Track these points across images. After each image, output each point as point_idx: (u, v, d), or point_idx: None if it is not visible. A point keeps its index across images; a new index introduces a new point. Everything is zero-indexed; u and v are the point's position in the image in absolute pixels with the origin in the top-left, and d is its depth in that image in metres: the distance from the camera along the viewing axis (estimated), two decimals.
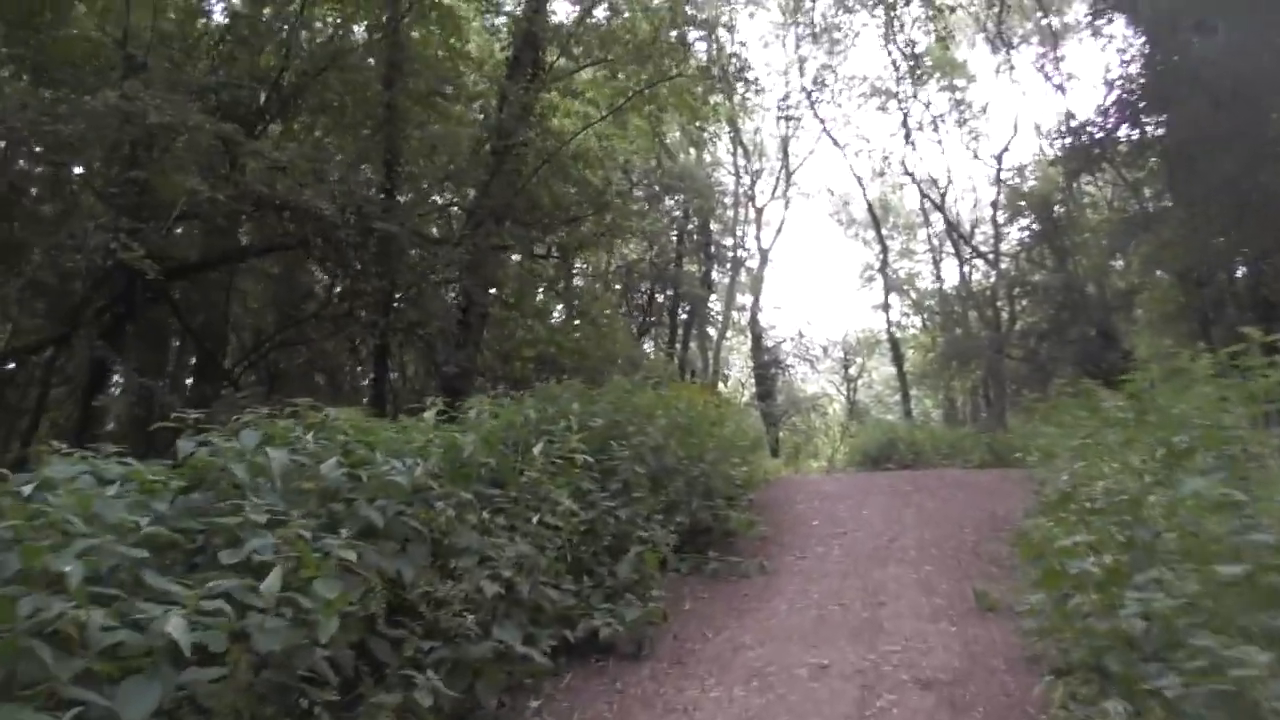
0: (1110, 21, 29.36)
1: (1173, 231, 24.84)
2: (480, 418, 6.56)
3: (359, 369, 16.07)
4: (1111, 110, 26.32)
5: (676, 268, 30.91)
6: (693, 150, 31.39)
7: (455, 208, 16.59)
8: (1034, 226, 31.87)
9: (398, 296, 13.29)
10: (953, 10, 30.13)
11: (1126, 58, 26.20)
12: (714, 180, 33.47)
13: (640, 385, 10.11)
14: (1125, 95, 25.83)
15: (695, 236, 32.95)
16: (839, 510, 11.73)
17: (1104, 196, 31.37)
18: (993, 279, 35.04)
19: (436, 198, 15.53)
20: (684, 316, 33.67)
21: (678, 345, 32.34)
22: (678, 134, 30.59)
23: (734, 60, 20.48)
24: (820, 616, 7.18)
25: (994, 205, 35.44)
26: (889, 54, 37.32)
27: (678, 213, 30.38)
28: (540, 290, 19.57)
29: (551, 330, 17.11)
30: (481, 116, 16.44)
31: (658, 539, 7.72)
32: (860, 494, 13.61)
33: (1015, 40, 37.32)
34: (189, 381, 15.95)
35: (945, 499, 12.55)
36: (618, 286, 31.07)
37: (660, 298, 31.64)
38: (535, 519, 5.92)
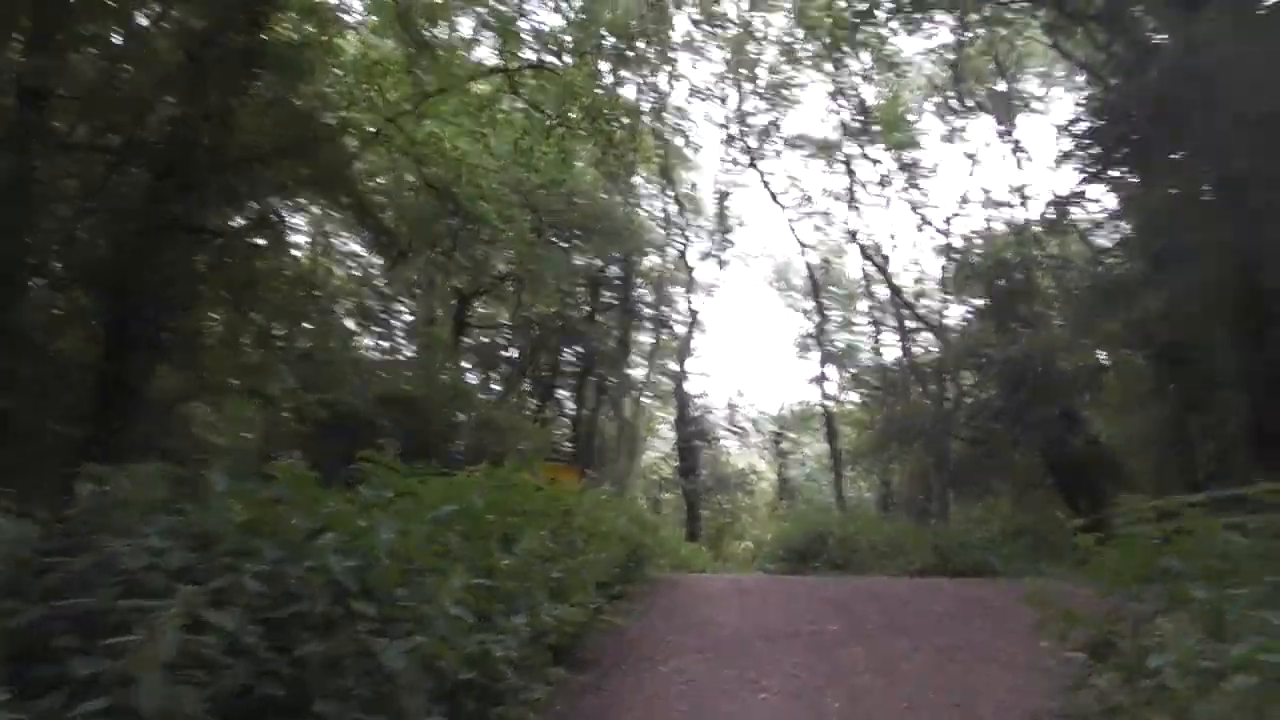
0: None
1: (1148, 303, 20.56)
2: None
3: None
4: (1081, 163, 22.38)
5: (588, 321, 26.17)
6: (606, 186, 26.81)
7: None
8: (985, 300, 27.76)
9: None
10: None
11: (1094, 105, 22.04)
12: (637, 225, 28.88)
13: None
14: (1094, 147, 21.85)
15: (615, 284, 28.28)
16: (714, 696, 6.75)
17: (1070, 262, 27.28)
18: (938, 351, 30.76)
19: None
20: (600, 380, 28.85)
21: (584, 410, 27.41)
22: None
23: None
24: None
25: (942, 270, 31.37)
26: (837, 111, 33.41)
27: (589, 258, 25.74)
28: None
29: (247, 369, 10.98)
30: None
31: None
32: (766, 639, 8.70)
33: (969, 105, 33.62)
34: None
35: (895, 663, 7.65)
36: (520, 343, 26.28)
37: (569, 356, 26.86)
38: None
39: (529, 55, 20.13)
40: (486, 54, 23.00)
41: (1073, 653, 5.11)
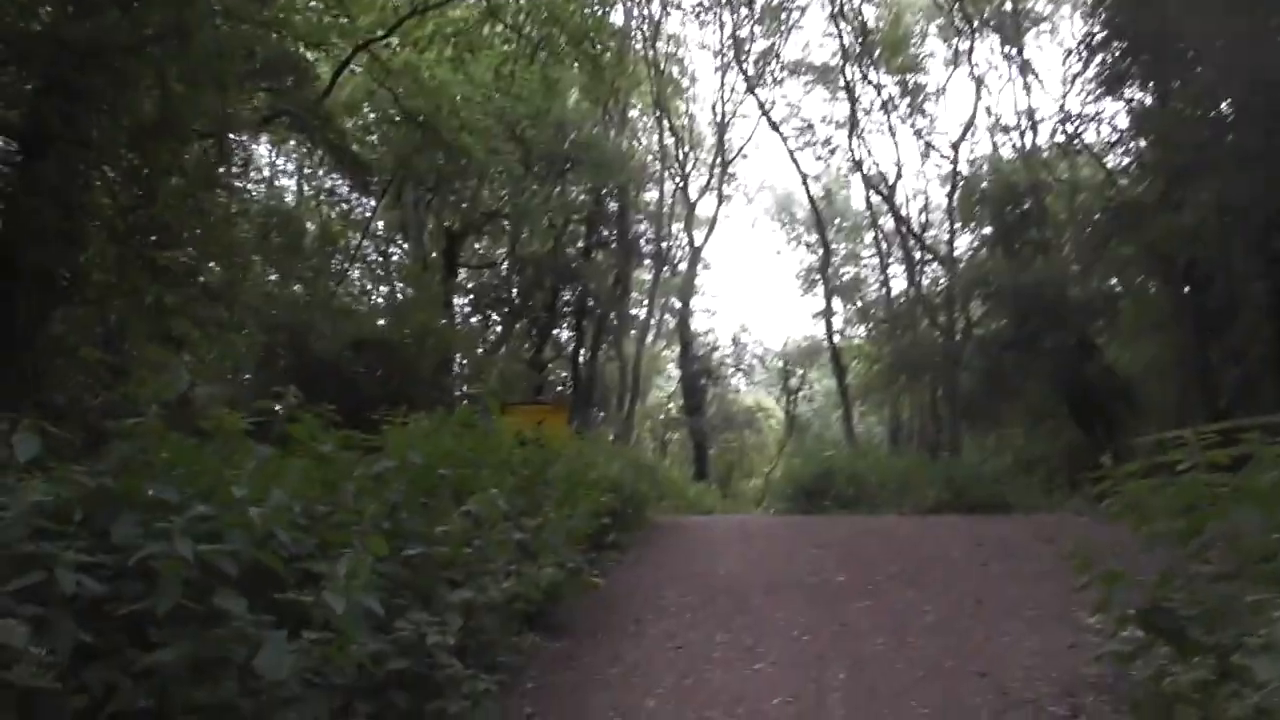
0: None
1: (1166, 225, 19.36)
2: None
3: None
4: (1094, 79, 21.09)
5: (584, 258, 25.09)
6: (596, 116, 25.37)
7: None
8: (993, 228, 26.52)
9: None
10: None
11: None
12: (631, 156, 27.58)
13: None
14: (1108, 59, 20.51)
15: (612, 220, 27.07)
16: (704, 666, 5.91)
17: (1081, 186, 26.03)
18: (946, 280, 29.64)
19: None
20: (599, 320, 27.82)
21: (584, 352, 26.47)
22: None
23: None
24: None
25: (949, 197, 30.12)
26: (838, 34, 31.81)
27: (580, 192, 24.55)
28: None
29: (156, 311, 9.11)
30: None
31: None
32: (767, 593, 7.90)
33: (974, 25, 31.93)
34: None
35: (908, 621, 6.81)
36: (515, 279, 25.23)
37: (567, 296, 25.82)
38: None
39: None
40: None
41: (1127, 630, 4.22)
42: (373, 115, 20.91)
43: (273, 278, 18.13)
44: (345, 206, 26.39)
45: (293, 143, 22.54)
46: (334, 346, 11.75)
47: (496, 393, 5.84)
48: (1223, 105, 18.31)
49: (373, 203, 24.47)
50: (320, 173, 26.35)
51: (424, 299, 17.44)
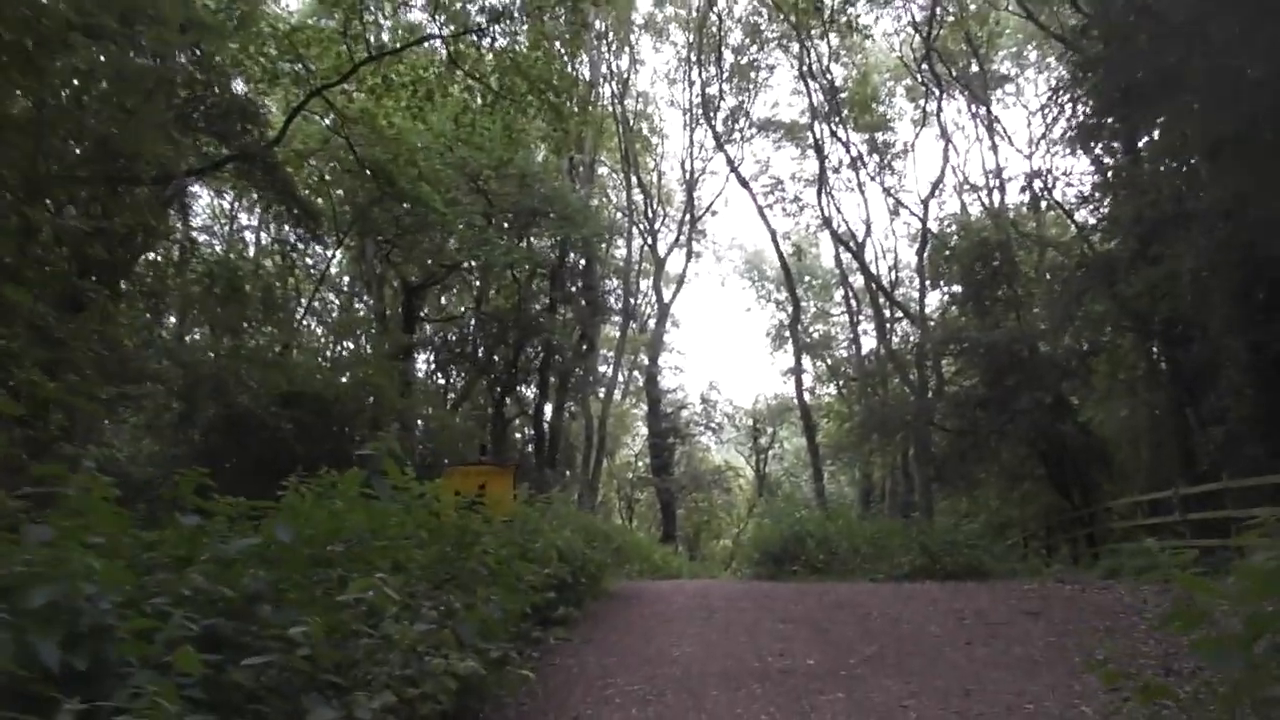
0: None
1: (1140, 281, 18.85)
2: None
3: None
4: (1064, 134, 20.73)
5: (549, 314, 24.18)
6: (561, 169, 24.66)
7: None
8: (963, 285, 25.98)
9: None
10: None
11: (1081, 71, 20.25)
12: (596, 211, 26.88)
13: None
14: (1082, 114, 20.16)
15: (578, 274, 26.26)
16: None
17: (1050, 243, 25.64)
18: (916, 338, 29.02)
19: None
20: (563, 377, 26.84)
21: (547, 408, 25.43)
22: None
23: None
24: None
25: (919, 254, 29.65)
26: (806, 92, 31.56)
27: (544, 246, 23.73)
28: None
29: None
30: None
31: None
32: (725, 681, 6.88)
33: (942, 83, 31.88)
34: None
35: None
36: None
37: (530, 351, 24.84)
38: None
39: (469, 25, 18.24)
40: (422, 19, 21.04)
41: None
42: (333, 165, 20.13)
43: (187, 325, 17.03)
44: (309, 261, 25.47)
45: (255, 195, 21.71)
46: (261, 400, 10.73)
47: (397, 452, 4.88)
48: (1194, 160, 17.91)
49: (329, 253, 23.57)
50: (284, 226, 25.47)
51: (372, 353, 16.45)
